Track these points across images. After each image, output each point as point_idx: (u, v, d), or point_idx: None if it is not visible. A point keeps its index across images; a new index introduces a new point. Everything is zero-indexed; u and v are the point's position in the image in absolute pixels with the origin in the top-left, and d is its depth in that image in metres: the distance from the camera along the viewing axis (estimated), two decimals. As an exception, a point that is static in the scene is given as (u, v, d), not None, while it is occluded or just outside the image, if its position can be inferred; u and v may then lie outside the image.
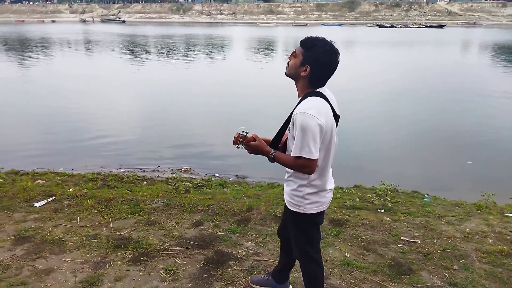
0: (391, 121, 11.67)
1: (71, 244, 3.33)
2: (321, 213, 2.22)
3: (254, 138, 2.13)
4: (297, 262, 2.58)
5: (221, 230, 3.69)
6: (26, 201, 4.27)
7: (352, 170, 8.20)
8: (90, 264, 3.04)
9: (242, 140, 2.09)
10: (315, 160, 1.98)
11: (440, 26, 71.77)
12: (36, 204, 4.17)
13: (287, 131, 2.15)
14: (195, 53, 31.12)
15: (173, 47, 35.58)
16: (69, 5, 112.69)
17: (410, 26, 75.23)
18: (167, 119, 11.91)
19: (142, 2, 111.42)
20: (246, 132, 2.10)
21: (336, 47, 2.04)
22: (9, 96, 14.61)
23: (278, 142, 2.20)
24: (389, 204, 4.52)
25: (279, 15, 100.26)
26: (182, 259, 3.14)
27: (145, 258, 3.12)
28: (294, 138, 2.01)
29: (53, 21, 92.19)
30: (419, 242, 3.56)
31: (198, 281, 2.86)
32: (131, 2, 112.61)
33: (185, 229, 3.67)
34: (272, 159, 2.10)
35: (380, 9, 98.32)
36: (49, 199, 4.30)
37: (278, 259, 2.76)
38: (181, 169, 8.43)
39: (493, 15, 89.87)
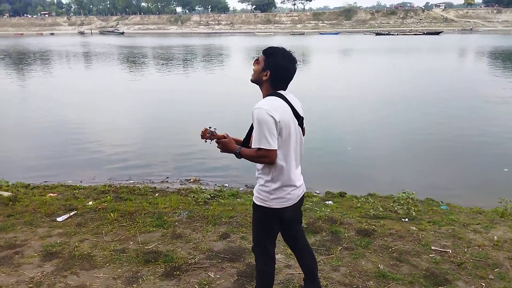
0: (394, 128, 11.70)
1: (100, 259, 3.28)
2: (287, 209, 2.32)
3: (224, 136, 2.30)
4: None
5: (248, 242, 3.64)
6: (47, 216, 4.23)
7: (360, 178, 8.21)
8: (123, 279, 2.99)
9: (210, 135, 2.27)
10: (274, 150, 2.15)
11: (437, 33, 72.47)
12: (59, 219, 4.12)
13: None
14: (195, 63, 31.27)
15: (173, 58, 35.75)
16: (67, 17, 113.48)
17: (407, 33, 75.93)
18: (170, 130, 11.87)
19: (140, 14, 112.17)
20: (214, 128, 2.29)
21: (294, 56, 2.31)
22: (11, 109, 14.61)
23: (248, 141, 2.37)
24: (413, 213, 4.49)
25: (276, 25, 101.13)
26: (215, 273, 3.10)
27: (178, 272, 3.08)
28: None
29: (52, 34, 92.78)
30: (450, 252, 3.53)
31: (235, 296, 2.81)
32: (129, 14, 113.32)
33: (212, 242, 3.63)
34: (239, 155, 2.27)
35: (377, 17, 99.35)
36: (71, 213, 4.26)
37: (300, 268, 2.75)
38: (189, 179, 8.40)
39: (488, 21, 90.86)
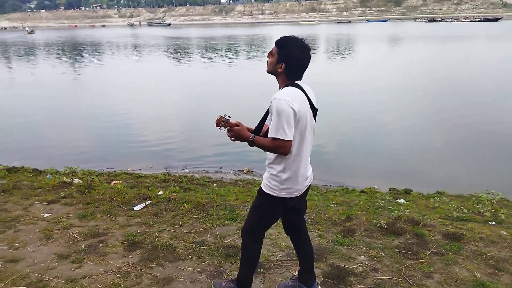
0: (448, 120, 11.10)
1: (182, 251, 3.28)
2: (294, 199, 2.34)
3: (237, 124, 2.27)
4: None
5: (327, 241, 3.51)
6: (124, 204, 4.33)
7: (414, 173, 7.83)
8: (207, 273, 2.97)
9: (224, 123, 2.24)
10: (290, 141, 2.15)
11: (495, 19, 67.63)
12: (135, 208, 4.20)
13: (267, 121, 2.30)
14: (241, 54, 31.29)
15: (219, 49, 36.01)
16: (117, 10, 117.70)
17: (462, 20, 71.50)
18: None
19: (186, 5, 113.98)
20: (228, 116, 2.26)
21: (307, 43, 2.24)
22: (66, 101, 15.32)
23: (260, 130, 2.35)
24: (502, 216, 4.13)
25: (321, 13, 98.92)
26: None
27: (261, 269, 3.00)
28: None
29: (103, 26, 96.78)
30: (554, 262, 3.19)
31: (324, 298, 2.70)
32: (176, 5, 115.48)
33: (289, 239, 3.51)
34: (252, 143, 2.24)
35: (428, 3, 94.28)
36: (147, 203, 4.33)
37: (298, 258, 2.72)
38: (243, 170, 8.39)
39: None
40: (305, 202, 2.58)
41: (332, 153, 9.26)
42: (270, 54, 2.26)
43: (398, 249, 3.35)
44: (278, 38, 2.26)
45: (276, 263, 3.12)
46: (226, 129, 2.27)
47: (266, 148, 2.22)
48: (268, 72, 2.32)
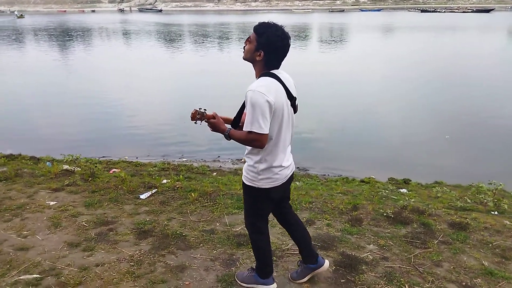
0: (441, 111, 11.24)
1: (193, 239, 3.29)
2: (276, 189, 2.32)
3: (214, 116, 2.27)
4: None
5: (336, 230, 3.55)
6: (130, 193, 4.30)
7: (408, 164, 7.95)
8: (220, 261, 2.98)
9: (200, 117, 2.22)
10: (265, 135, 2.12)
11: (488, 11, 68.01)
12: (142, 196, 4.18)
13: (245, 110, 2.23)
14: (237, 41, 31.02)
15: (214, 36, 35.64)
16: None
17: (455, 10, 71.73)
18: (215, 109, 11.90)
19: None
20: (204, 109, 2.23)
21: (286, 31, 2.16)
22: (61, 87, 15.07)
23: (239, 120, 2.32)
24: (505, 206, 4.21)
25: (315, 1, 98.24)
26: (311, 260, 3.02)
27: (274, 258, 3.02)
28: None
29: (93, 11, 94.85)
30: (558, 251, 3.27)
31: (338, 287, 2.73)
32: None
33: (299, 228, 3.54)
34: (228, 137, 2.23)
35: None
36: (153, 191, 4.31)
37: (295, 242, 2.78)
38: (241, 159, 8.40)
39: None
40: (288, 190, 2.59)
41: (328, 143, 9.32)
42: (248, 40, 2.19)
43: (406, 238, 3.40)
44: (256, 24, 2.18)
45: (287, 252, 3.15)
46: (203, 121, 2.25)
47: (241, 142, 2.19)
48: (244, 59, 2.25)
